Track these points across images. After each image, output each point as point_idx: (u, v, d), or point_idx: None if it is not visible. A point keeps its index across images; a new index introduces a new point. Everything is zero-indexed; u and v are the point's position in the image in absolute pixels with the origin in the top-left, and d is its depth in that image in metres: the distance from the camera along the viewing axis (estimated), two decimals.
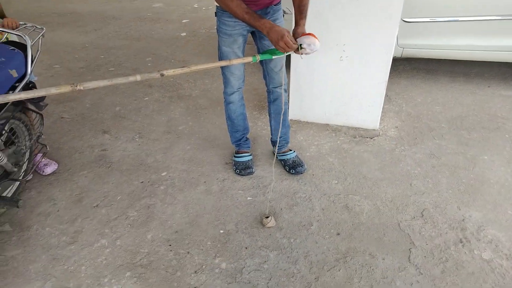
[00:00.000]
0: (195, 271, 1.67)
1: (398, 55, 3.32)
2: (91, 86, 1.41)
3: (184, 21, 5.65)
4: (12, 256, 1.76)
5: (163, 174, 2.31)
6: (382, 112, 2.68)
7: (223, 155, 2.47)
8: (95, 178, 2.28)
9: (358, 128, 2.73)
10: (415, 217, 1.94)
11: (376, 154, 2.45)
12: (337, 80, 2.60)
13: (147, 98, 3.25)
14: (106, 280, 1.63)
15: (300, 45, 1.61)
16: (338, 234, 1.84)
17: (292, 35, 1.70)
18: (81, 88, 1.37)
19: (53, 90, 1.39)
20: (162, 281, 1.62)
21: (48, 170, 2.31)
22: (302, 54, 1.65)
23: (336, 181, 2.20)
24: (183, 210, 2.02)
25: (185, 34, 5.04)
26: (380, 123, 2.73)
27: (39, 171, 2.31)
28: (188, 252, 1.76)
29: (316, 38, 1.59)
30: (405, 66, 3.79)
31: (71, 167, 2.38)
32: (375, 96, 2.59)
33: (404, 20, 3.11)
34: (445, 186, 2.15)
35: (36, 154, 2.28)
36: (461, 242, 1.79)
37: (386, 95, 2.65)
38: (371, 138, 2.61)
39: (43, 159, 2.32)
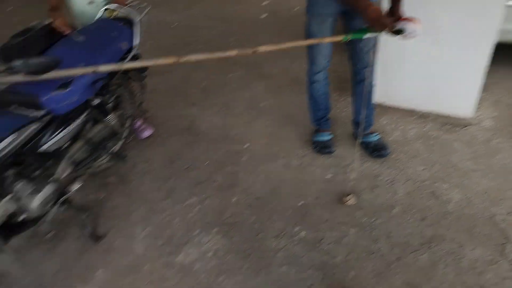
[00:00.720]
0: (276, 236, 1.75)
1: (500, 40, 3.00)
2: (194, 58, 1.53)
3: (264, 3, 5.70)
4: (118, 204, 2.02)
5: (245, 146, 2.43)
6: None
7: (301, 133, 2.51)
8: (184, 144, 2.48)
9: (449, 116, 2.56)
10: (511, 212, 1.80)
11: (469, 144, 2.29)
12: (429, 63, 2.45)
13: (231, 75, 3.40)
14: (196, 232, 1.80)
15: (401, 30, 1.56)
16: (423, 219, 1.79)
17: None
18: (185, 60, 1.49)
19: (161, 61, 1.52)
20: (245, 241, 1.74)
21: (145, 134, 2.57)
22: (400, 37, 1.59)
23: (422, 168, 2.12)
24: (263, 180, 2.12)
25: (265, 15, 5.10)
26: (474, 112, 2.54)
27: (137, 135, 2.57)
28: (269, 218, 1.86)
29: (419, 23, 1.52)
30: (506, 54, 3.42)
31: (164, 133, 2.61)
32: (472, 83, 2.40)
33: (507, 5, 2.79)
34: None
35: (137, 119, 2.54)
36: None
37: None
38: (463, 127, 2.44)
39: (142, 124, 2.58)
